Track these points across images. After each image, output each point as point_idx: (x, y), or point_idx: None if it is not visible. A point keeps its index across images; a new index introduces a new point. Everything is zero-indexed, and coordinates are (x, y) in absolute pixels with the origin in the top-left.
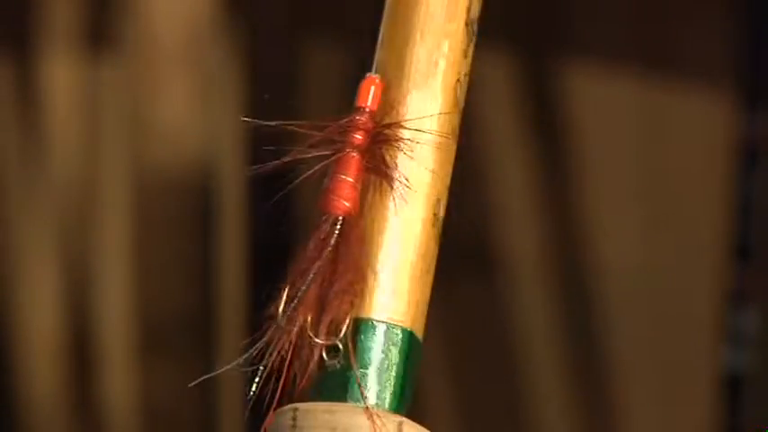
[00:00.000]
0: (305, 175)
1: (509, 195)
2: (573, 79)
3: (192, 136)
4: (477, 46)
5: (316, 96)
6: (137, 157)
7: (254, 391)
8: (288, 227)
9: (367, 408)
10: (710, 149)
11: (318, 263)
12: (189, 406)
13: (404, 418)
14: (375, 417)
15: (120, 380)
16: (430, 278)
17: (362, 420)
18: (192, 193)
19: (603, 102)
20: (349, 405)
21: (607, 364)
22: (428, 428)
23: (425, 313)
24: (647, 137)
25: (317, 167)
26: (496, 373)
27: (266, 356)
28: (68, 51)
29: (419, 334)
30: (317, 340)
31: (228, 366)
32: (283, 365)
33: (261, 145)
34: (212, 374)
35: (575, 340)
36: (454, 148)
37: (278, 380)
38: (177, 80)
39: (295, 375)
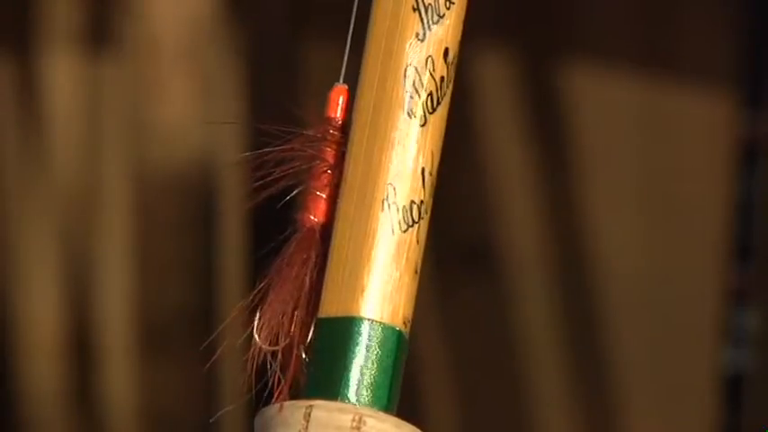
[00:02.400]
0: (275, 190)
1: (510, 195)
2: (573, 79)
3: (192, 136)
4: (476, 44)
5: (316, 96)
6: (137, 156)
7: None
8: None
9: (282, 402)
10: (711, 149)
11: (272, 276)
12: (189, 405)
13: (315, 402)
14: (284, 407)
15: (120, 379)
16: (399, 263)
17: (273, 411)
18: (192, 193)
19: (604, 102)
20: (273, 404)
21: (608, 364)
22: (428, 428)
23: (399, 300)
24: (647, 137)
25: (285, 182)
26: (497, 374)
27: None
28: (69, 51)
29: (391, 322)
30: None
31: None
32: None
33: (261, 145)
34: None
35: (575, 340)
36: (424, 129)
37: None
38: (177, 80)
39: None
